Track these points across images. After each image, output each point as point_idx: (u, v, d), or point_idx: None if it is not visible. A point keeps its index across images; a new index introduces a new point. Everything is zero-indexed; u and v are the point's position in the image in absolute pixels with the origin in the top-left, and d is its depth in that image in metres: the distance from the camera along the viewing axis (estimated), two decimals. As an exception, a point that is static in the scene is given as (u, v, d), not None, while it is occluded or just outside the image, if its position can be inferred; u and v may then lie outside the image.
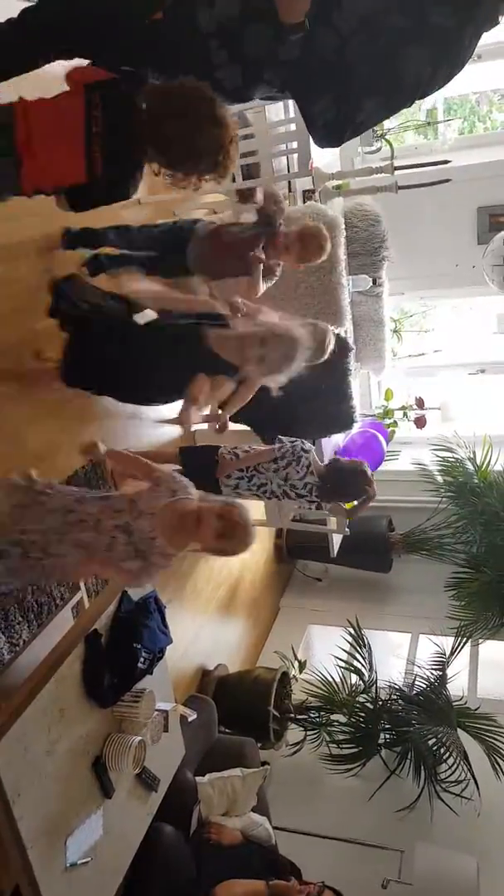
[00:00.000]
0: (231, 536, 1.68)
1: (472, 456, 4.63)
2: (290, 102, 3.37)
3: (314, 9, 1.67)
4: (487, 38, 1.87)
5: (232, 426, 3.61)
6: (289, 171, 3.64)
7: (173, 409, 3.45)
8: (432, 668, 3.93)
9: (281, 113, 3.51)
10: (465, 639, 4.06)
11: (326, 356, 2.50)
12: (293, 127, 3.33)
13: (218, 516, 1.66)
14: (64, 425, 2.69)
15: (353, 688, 3.92)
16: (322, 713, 3.88)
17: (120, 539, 1.66)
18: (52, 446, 2.63)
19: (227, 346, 2.24)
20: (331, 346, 2.51)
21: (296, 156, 3.44)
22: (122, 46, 1.83)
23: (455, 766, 3.52)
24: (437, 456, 4.68)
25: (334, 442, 3.97)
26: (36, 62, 1.91)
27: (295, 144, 3.37)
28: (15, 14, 1.84)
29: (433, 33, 1.71)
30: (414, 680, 3.94)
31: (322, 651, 4.56)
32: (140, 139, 1.61)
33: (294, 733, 3.90)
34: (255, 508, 3.95)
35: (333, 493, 3.07)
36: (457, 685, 4.00)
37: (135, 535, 1.67)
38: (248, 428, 3.50)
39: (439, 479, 4.68)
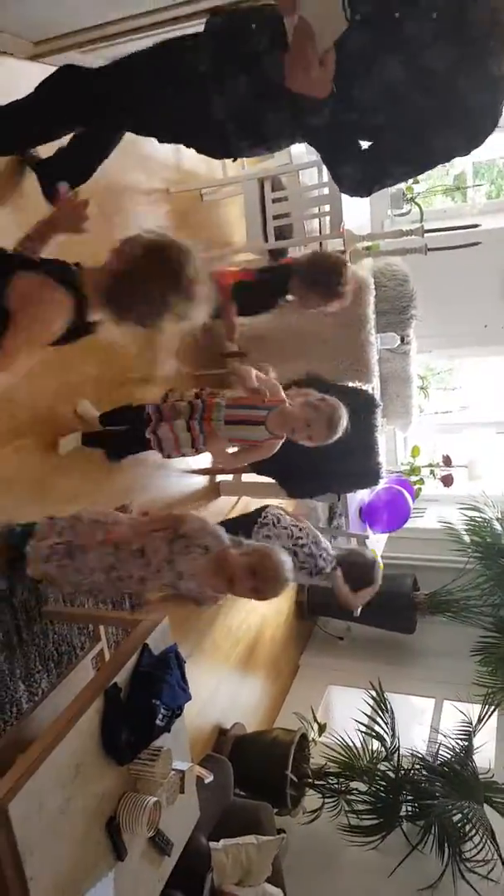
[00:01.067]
0: (264, 590, 1.69)
1: (500, 516, 4.56)
2: (323, 168, 3.48)
3: (340, 80, 1.59)
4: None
5: (257, 478, 3.64)
6: (320, 233, 3.72)
7: (200, 461, 3.49)
8: (458, 738, 3.78)
9: (315, 177, 3.62)
10: (492, 707, 3.91)
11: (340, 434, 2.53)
12: (326, 191, 3.43)
13: (251, 574, 1.67)
14: (89, 475, 2.72)
15: (375, 754, 3.78)
16: (341, 780, 3.74)
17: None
18: (79, 495, 2.65)
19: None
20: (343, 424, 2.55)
21: (328, 218, 3.53)
22: (162, 122, 1.91)
23: (481, 844, 3.35)
24: (465, 515, 4.62)
25: (359, 497, 3.94)
26: (59, 133, 1.98)
27: (327, 207, 3.46)
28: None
29: (468, 112, 1.66)
30: (438, 749, 3.79)
31: (342, 713, 4.42)
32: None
33: (312, 800, 3.76)
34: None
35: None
36: (483, 756, 3.84)
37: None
38: (272, 480, 3.50)
39: (466, 538, 4.60)
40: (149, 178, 3.20)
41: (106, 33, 2.33)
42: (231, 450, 2.69)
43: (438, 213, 4.71)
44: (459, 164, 4.56)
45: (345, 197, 3.42)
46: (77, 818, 1.76)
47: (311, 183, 3.57)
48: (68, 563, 1.96)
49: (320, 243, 3.84)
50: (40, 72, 2.45)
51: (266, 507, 3.11)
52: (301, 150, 3.84)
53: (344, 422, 2.52)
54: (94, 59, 2.58)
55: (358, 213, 3.86)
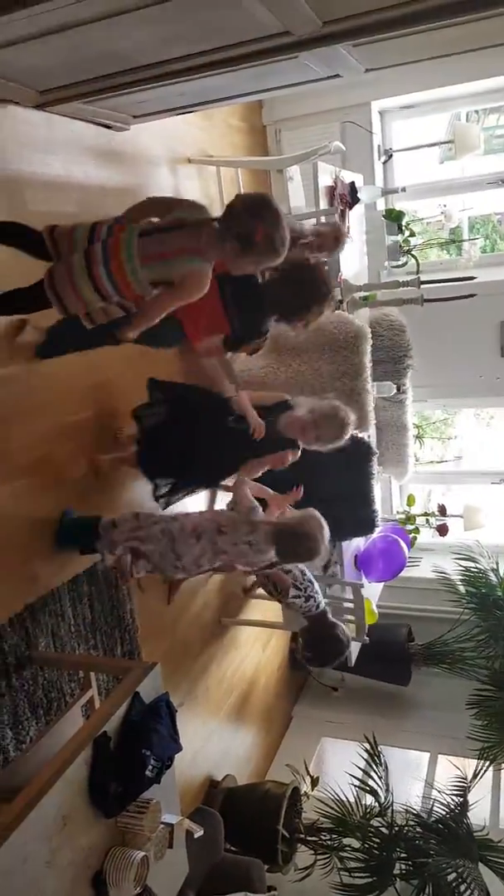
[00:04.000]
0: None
1: (495, 567, 4.55)
2: (322, 220, 3.57)
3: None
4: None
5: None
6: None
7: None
8: (453, 793, 3.70)
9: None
10: (487, 762, 3.84)
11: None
12: None
13: None
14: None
15: (368, 810, 3.70)
16: (334, 836, 3.65)
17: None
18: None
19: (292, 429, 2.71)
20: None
21: (326, 268, 3.60)
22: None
23: (476, 905, 3.25)
24: (460, 565, 4.60)
25: (355, 545, 3.94)
26: None
27: (324, 259, 3.54)
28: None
29: None
30: (432, 805, 3.71)
31: (336, 766, 4.33)
32: None
33: (303, 856, 3.65)
34: (272, 611, 3.92)
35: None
36: (478, 813, 3.75)
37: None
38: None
39: (461, 589, 4.57)
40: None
41: (107, 85, 2.41)
42: None
43: (434, 265, 4.81)
44: (456, 219, 4.67)
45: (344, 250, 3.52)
46: (63, 873, 1.72)
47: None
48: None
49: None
50: (44, 120, 2.57)
51: None
52: (300, 204, 3.96)
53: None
54: (97, 108, 2.70)
55: (355, 263, 3.96)
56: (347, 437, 2.69)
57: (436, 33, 2.23)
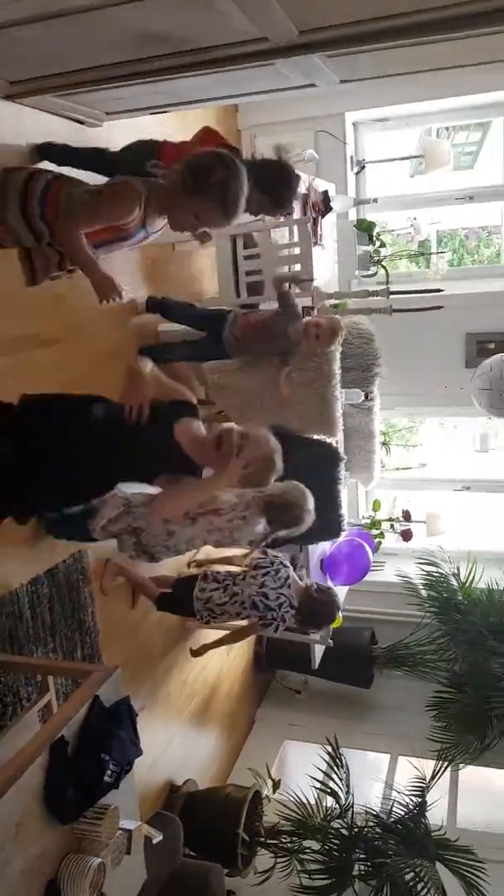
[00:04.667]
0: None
1: (456, 572, 4.62)
2: (294, 228, 3.59)
3: None
4: (480, 182, 2.02)
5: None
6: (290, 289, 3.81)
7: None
8: (412, 794, 3.75)
9: (286, 236, 3.73)
10: (445, 763, 3.90)
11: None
12: (297, 251, 3.54)
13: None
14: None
15: (329, 812, 3.72)
16: (294, 839, 3.66)
17: None
18: (37, 536, 2.62)
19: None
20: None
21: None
22: None
23: (433, 904, 3.30)
24: (422, 570, 4.66)
25: (321, 549, 3.97)
26: None
27: (298, 266, 3.56)
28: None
29: None
30: (392, 806, 3.75)
31: (298, 769, 4.35)
32: None
33: (263, 859, 3.66)
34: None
35: (305, 621, 3.14)
36: (436, 813, 3.80)
37: None
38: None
39: (423, 593, 4.64)
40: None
41: (81, 80, 2.39)
42: None
43: (403, 276, 4.88)
44: (425, 232, 4.75)
45: (315, 255, 3.54)
46: (16, 883, 1.69)
47: (282, 241, 3.67)
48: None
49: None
50: (14, 111, 2.53)
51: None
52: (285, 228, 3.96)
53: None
54: (69, 102, 2.68)
55: (327, 271, 3.98)
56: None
57: (411, 49, 2.26)
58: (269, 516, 2.72)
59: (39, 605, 2.63)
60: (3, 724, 2.38)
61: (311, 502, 2.70)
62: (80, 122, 2.93)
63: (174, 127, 3.78)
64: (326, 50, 2.26)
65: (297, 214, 3.59)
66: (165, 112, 2.98)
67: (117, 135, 3.20)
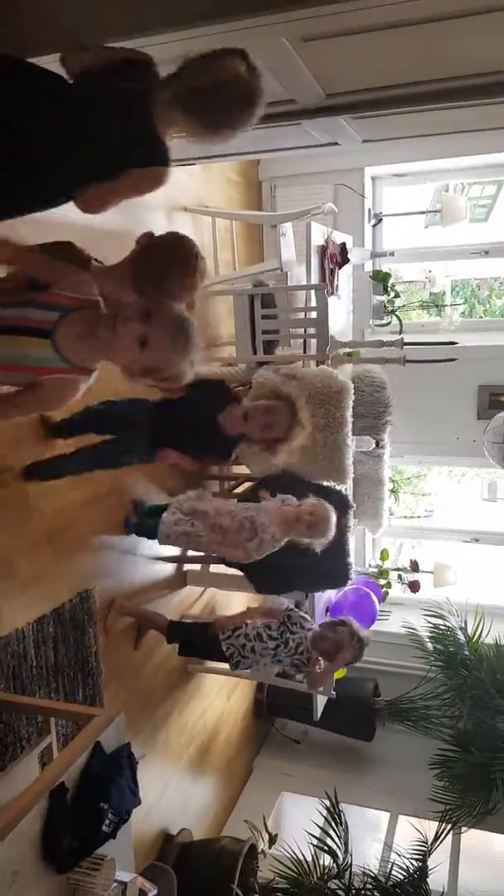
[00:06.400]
0: None
1: (463, 625, 4.56)
2: (312, 293, 3.64)
3: None
4: (493, 235, 2.06)
5: (225, 570, 3.62)
6: (305, 351, 3.85)
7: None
8: (412, 857, 3.63)
9: (302, 300, 3.80)
10: (448, 826, 3.79)
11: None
12: (313, 315, 3.60)
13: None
14: (57, 557, 2.70)
15: (326, 871, 3.61)
16: (289, 898, 3.55)
17: None
18: (45, 575, 2.62)
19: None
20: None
21: (314, 341, 3.68)
22: None
23: None
24: (429, 622, 4.60)
25: (327, 597, 3.93)
26: None
27: (313, 329, 3.63)
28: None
29: None
30: (391, 868, 3.63)
31: (295, 822, 4.24)
32: None
33: (256, 919, 3.54)
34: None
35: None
36: (436, 879, 3.68)
37: None
38: (240, 573, 3.49)
39: (429, 646, 4.57)
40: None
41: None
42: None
43: (417, 326, 4.94)
44: (440, 284, 4.82)
45: (331, 306, 3.60)
46: (8, 932, 1.65)
47: (300, 304, 3.73)
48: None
49: (304, 342, 3.99)
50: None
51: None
52: (290, 258, 4.06)
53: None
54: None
55: (341, 320, 4.05)
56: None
57: (432, 113, 2.34)
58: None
59: (44, 645, 2.61)
60: (2, 764, 2.34)
61: (333, 517, 2.82)
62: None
63: (199, 177, 3.92)
64: (351, 113, 2.35)
65: (315, 278, 3.64)
66: (194, 164, 3.07)
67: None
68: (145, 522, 3.15)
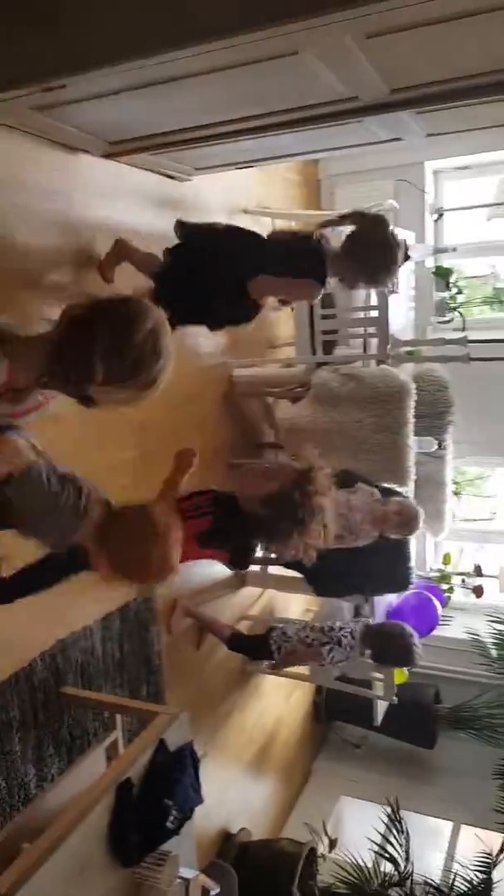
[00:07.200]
0: None
1: (529, 632, 4.43)
2: (373, 291, 3.60)
3: None
4: None
5: (284, 571, 3.61)
6: (364, 351, 3.82)
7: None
8: (476, 869, 3.54)
9: (361, 299, 3.76)
10: (513, 838, 3.68)
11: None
12: (374, 314, 3.56)
13: None
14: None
15: (386, 878, 3.56)
16: (349, 903, 3.51)
17: None
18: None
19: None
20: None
21: (374, 340, 3.64)
22: None
23: None
24: (493, 628, 4.48)
25: (388, 601, 3.88)
26: None
27: (373, 329, 3.59)
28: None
29: None
30: (454, 879, 3.55)
31: (354, 827, 4.20)
32: None
33: (316, 923, 3.52)
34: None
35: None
36: (502, 893, 3.58)
37: None
38: (300, 575, 3.47)
39: (493, 653, 4.45)
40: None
41: (177, 139, 2.50)
42: None
43: (480, 322, 4.82)
44: None
45: (391, 305, 3.55)
46: (77, 923, 1.69)
47: (360, 304, 3.69)
48: None
49: (364, 342, 3.95)
50: (112, 169, 2.67)
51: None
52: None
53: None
54: (162, 159, 2.80)
55: (402, 318, 3.98)
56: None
57: (498, 105, 2.27)
58: None
59: (110, 642, 2.66)
60: (70, 758, 2.40)
61: (422, 516, 3.01)
62: (171, 177, 3.05)
63: (258, 178, 3.92)
64: (415, 107, 2.30)
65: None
66: (253, 166, 3.07)
67: (204, 187, 3.33)
68: None
